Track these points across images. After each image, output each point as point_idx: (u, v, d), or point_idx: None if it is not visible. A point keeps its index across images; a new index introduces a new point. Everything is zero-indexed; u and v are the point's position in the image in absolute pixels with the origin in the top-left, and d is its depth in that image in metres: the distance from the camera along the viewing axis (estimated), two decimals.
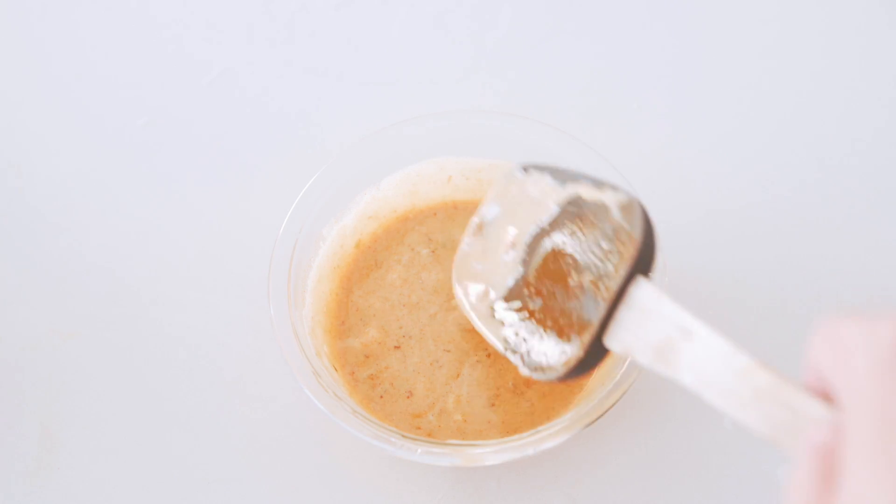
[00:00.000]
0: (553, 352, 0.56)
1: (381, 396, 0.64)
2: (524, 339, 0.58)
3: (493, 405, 0.63)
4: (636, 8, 0.82)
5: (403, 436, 0.59)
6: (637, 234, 0.53)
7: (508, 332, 0.59)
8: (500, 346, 0.59)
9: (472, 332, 0.65)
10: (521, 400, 0.63)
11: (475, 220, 0.62)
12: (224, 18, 0.82)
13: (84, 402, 0.67)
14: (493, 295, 0.60)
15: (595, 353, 0.55)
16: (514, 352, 0.58)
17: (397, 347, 0.65)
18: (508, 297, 0.59)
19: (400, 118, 0.69)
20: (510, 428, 0.62)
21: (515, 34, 0.81)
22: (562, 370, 0.55)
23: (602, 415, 0.59)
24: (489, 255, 0.61)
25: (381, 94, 0.79)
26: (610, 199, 0.55)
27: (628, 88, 0.79)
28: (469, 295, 0.61)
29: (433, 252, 0.68)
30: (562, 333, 0.56)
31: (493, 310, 0.60)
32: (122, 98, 0.79)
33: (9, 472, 0.65)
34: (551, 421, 0.61)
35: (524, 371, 0.58)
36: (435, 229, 0.69)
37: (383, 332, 0.66)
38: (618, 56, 0.80)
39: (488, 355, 0.65)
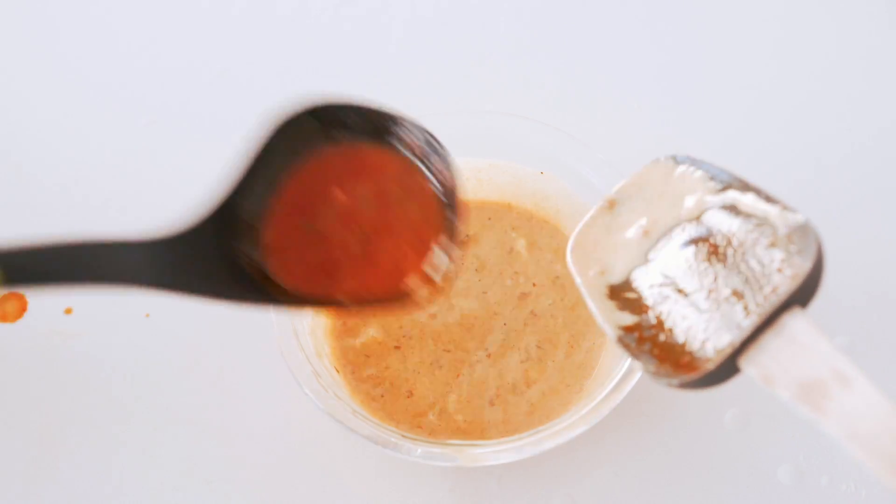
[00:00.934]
0: (675, 355, 0.52)
1: (382, 396, 0.64)
2: (646, 337, 0.53)
3: (493, 405, 0.63)
4: (636, 8, 0.82)
5: (403, 436, 0.59)
6: (808, 262, 0.49)
7: (626, 320, 0.54)
8: (610, 332, 0.54)
9: (472, 332, 0.65)
10: (521, 400, 0.63)
11: (609, 193, 0.58)
12: (224, 18, 0.82)
13: (84, 402, 0.67)
14: (608, 277, 0.56)
15: (723, 371, 0.50)
16: (628, 346, 0.53)
17: (397, 347, 0.65)
18: (625, 287, 0.55)
19: None
20: (510, 428, 0.62)
21: (515, 34, 0.81)
22: (687, 379, 0.50)
23: (602, 415, 0.59)
24: (614, 235, 0.57)
25: (381, 94, 0.79)
26: (778, 216, 0.51)
27: (629, 88, 0.78)
28: (586, 270, 0.57)
29: None
30: (690, 339, 0.52)
31: (610, 290, 0.56)
32: (124, 99, 0.79)
33: (9, 472, 0.65)
34: (551, 421, 0.61)
35: (638, 364, 0.53)
36: None
37: (383, 331, 0.66)
38: (618, 56, 0.80)
39: (488, 355, 0.65)
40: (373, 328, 0.66)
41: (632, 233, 0.56)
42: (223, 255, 0.55)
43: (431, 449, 0.58)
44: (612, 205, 0.57)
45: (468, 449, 0.59)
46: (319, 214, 0.58)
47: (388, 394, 0.64)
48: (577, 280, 0.57)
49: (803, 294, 0.49)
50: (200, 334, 0.69)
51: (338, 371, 0.64)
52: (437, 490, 0.64)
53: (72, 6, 0.83)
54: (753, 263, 0.51)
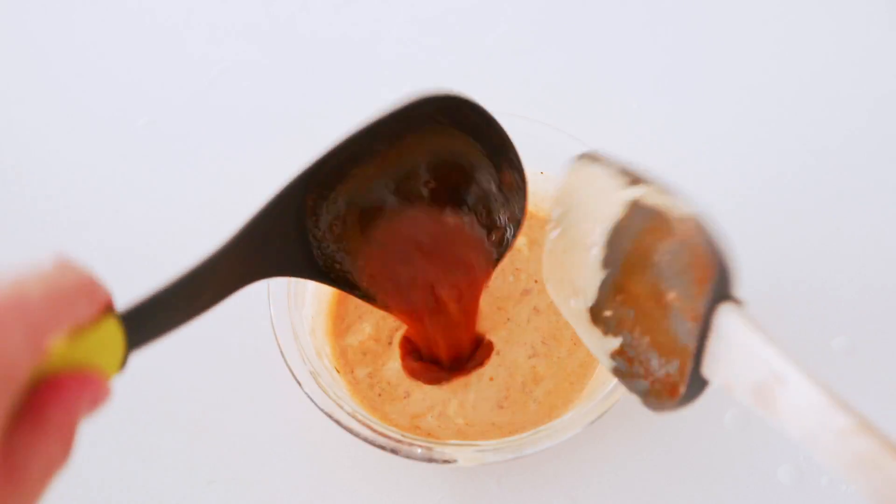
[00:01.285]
0: (659, 373, 0.49)
1: (380, 395, 0.64)
2: (632, 357, 0.51)
3: (493, 405, 0.63)
4: (637, 8, 0.82)
5: (403, 436, 0.59)
6: (710, 252, 0.44)
7: (613, 344, 0.52)
8: (605, 362, 0.52)
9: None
10: (523, 399, 0.63)
11: (554, 210, 0.55)
12: (224, 18, 0.82)
13: None
14: (584, 301, 0.53)
15: (695, 387, 0.47)
16: (622, 373, 0.51)
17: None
18: (599, 305, 0.52)
19: None
20: (510, 428, 0.62)
21: (515, 34, 0.81)
22: (668, 404, 0.48)
23: (602, 414, 0.58)
24: (571, 252, 0.54)
25: (381, 94, 0.79)
26: (675, 208, 0.47)
27: (629, 89, 0.79)
28: (566, 300, 0.54)
29: None
30: (663, 352, 0.49)
31: (591, 314, 0.53)
32: (123, 98, 0.79)
33: None
34: (552, 420, 0.61)
35: (635, 395, 0.51)
36: None
37: (383, 331, 0.66)
38: (618, 56, 0.80)
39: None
40: (371, 328, 0.66)
41: (582, 247, 0.53)
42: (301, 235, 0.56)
43: (431, 449, 0.58)
44: (557, 224, 0.55)
45: (468, 449, 0.59)
46: (411, 267, 0.60)
47: (387, 393, 0.64)
48: (563, 311, 0.55)
49: (721, 287, 0.44)
50: (200, 334, 0.69)
51: (337, 371, 0.64)
52: (437, 490, 0.64)
53: (71, 5, 0.83)
54: (674, 263, 0.47)
